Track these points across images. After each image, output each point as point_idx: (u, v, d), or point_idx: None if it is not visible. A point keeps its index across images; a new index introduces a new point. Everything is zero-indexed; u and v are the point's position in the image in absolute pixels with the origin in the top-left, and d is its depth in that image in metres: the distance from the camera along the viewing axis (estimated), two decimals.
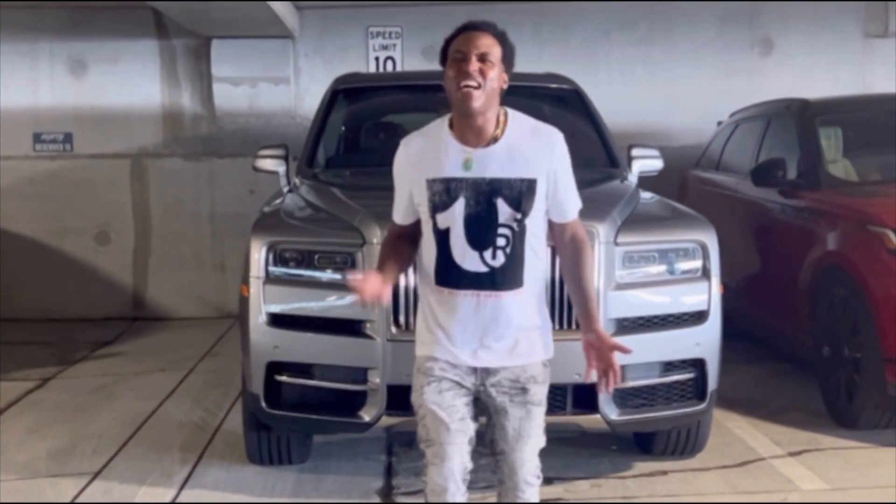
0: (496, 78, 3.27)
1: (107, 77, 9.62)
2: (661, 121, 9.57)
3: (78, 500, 4.89)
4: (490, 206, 3.26)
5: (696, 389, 4.94)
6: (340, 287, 4.70)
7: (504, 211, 3.26)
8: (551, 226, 3.43)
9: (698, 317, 4.89)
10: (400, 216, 3.51)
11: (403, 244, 3.50)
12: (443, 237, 3.32)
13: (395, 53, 9.64)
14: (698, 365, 4.90)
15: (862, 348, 5.69)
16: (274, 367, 4.80)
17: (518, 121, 3.38)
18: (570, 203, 3.41)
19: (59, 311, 9.53)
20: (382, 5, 9.56)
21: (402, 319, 4.60)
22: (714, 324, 4.90)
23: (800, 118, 6.99)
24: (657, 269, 4.85)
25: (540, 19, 9.65)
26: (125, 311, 9.71)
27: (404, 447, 5.50)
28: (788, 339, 6.85)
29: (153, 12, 9.25)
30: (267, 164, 6.21)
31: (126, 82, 9.62)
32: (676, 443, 5.27)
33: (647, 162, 6.18)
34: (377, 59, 9.65)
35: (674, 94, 9.71)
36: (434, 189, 3.30)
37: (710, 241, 4.94)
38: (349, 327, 4.68)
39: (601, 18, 9.71)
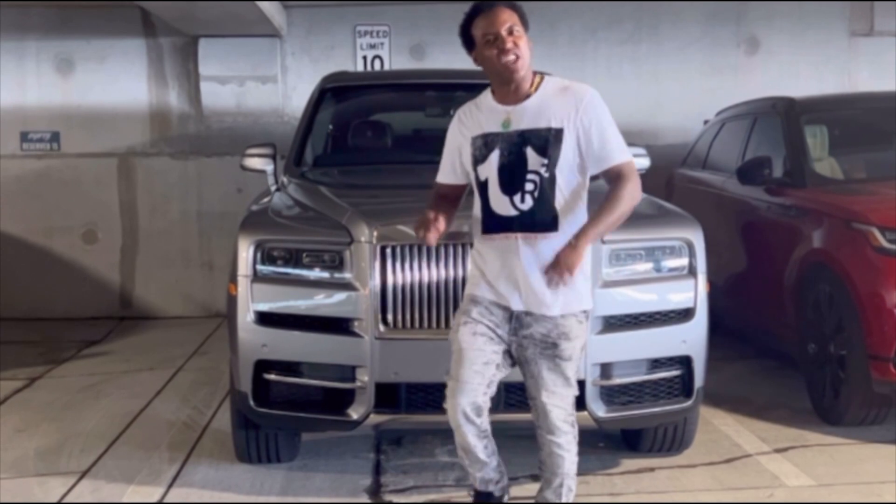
0: (526, 45, 3.71)
1: (94, 76, 9.61)
2: (648, 119, 9.60)
3: (66, 500, 4.88)
4: (520, 154, 3.65)
5: (683, 386, 4.95)
6: (328, 285, 4.72)
7: (532, 158, 3.64)
8: (601, 176, 3.80)
9: (685, 314, 4.90)
10: (443, 174, 3.98)
11: (443, 204, 3.94)
12: (483, 188, 3.73)
13: (382, 52, 9.64)
14: (685, 362, 4.92)
15: (847, 345, 5.72)
16: (262, 366, 4.80)
17: (552, 81, 3.81)
18: (610, 152, 3.75)
19: (47, 310, 9.51)
20: (370, 4, 9.56)
21: (390, 317, 4.61)
22: (700, 321, 4.92)
23: (786, 116, 7.02)
24: (644, 266, 4.87)
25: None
26: (113, 311, 9.70)
27: (392, 445, 5.52)
28: (774, 336, 6.88)
29: (140, 11, 9.24)
30: (254, 162, 6.20)
31: (113, 81, 9.60)
32: (663, 440, 5.29)
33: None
34: (365, 57, 9.65)
35: (660, 93, 9.74)
36: (476, 145, 3.74)
37: (697, 238, 4.95)
38: (337, 325, 4.68)
39: (588, 17, 9.74)
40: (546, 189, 3.65)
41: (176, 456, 5.47)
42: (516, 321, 3.74)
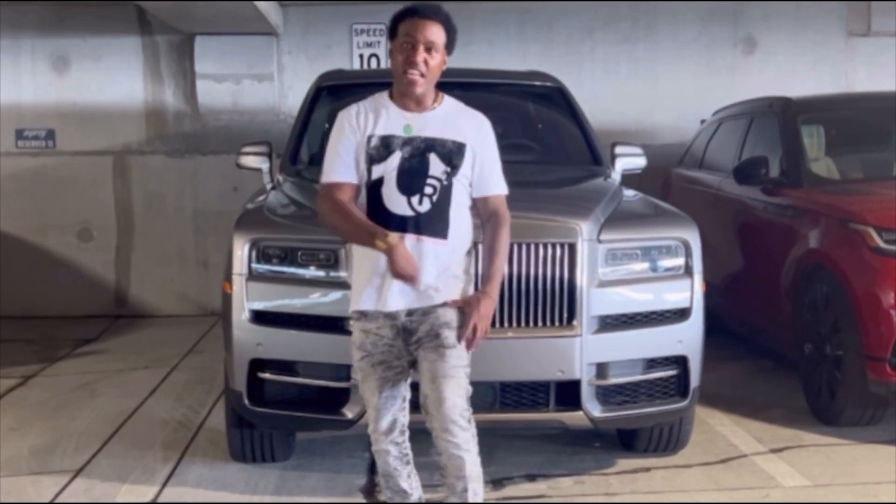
0: (438, 65, 3.76)
1: (89, 74, 9.58)
2: (645, 119, 9.60)
3: (59, 499, 4.86)
4: (423, 159, 3.73)
5: (679, 386, 4.95)
6: (324, 284, 4.71)
7: (436, 164, 3.73)
8: (476, 203, 3.86)
9: (681, 314, 4.90)
10: (345, 173, 3.81)
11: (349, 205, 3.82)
12: (375, 186, 3.75)
13: (379, 51, 9.62)
14: (681, 362, 4.92)
15: (843, 346, 5.72)
16: (257, 365, 4.79)
17: (451, 101, 3.90)
18: (493, 180, 3.86)
19: (42, 308, 9.49)
20: (367, 3, 9.54)
21: None
22: (696, 321, 4.91)
23: (782, 116, 7.02)
24: (640, 266, 4.86)
25: (524, 17, 9.65)
26: (108, 309, 9.67)
27: None
28: (770, 336, 6.88)
29: (136, 9, 9.22)
30: (250, 161, 6.18)
31: (109, 79, 9.58)
32: (659, 440, 5.28)
33: (630, 160, 6.19)
34: (361, 56, 9.64)
35: (657, 92, 9.73)
36: (372, 144, 3.75)
37: (693, 238, 4.95)
38: (332, 324, 4.67)
39: (585, 16, 9.73)
40: (444, 196, 3.73)
41: (170, 455, 5.45)
42: (404, 332, 3.77)
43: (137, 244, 9.72)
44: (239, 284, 4.77)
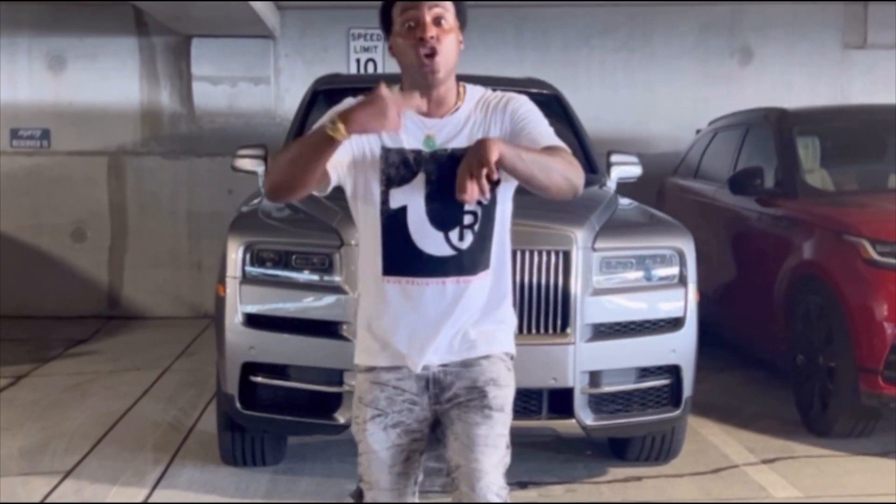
0: (454, 47, 2.91)
1: (85, 74, 9.57)
2: (640, 127, 9.61)
3: (49, 500, 4.85)
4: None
5: (672, 396, 4.95)
6: (317, 288, 4.70)
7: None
8: None
9: (674, 323, 4.90)
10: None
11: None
12: (394, 219, 2.85)
13: (376, 55, 9.63)
14: (674, 371, 4.92)
15: (836, 357, 5.72)
16: (249, 368, 4.78)
17: (475, 91, 3.01)
18: (540, 134, 2.88)
19: (34, 308, 9.46)
20: (364, 7, 9.52)
21: None
22: (690, 331, 4.92)
23: (778, 127, 7.02)
24: (634, 275, 4.87)
25: (521, 24, 9.66)
26: (100, 310, 9.65)
27: None
28: (763, 346, 6.88)
29: (133, 9, 9.21)
30: (246, 163, 6.18)
31: (105, 79, 9.57)
32: (651, 449, 5.28)
33: (625, 168, 6.20)
34: (358, 60, 9.64)
35: (653, 101, 9.74)
36: (390, 160, 2.85)
37: (688, 248, 4.95)
38: (325, 329, 4.67)
39: (582, 24, 9.74)
40: (487, 219, 2.86)
41: (161, 457, 5.44)
42: (435, 385, 2.90)
43: (131, 245, 9.71)
44: (232, 287, 4.77)
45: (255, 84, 9.55)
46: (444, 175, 2.79)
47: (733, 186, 6.95)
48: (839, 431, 5.76)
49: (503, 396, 2.92)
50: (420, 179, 2.84)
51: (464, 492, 2.83)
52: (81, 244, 9.67)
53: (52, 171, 9.60)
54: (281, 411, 4.84)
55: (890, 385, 5.43)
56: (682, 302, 4.90)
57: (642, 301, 4.87)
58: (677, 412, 4.97)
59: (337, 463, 5.33)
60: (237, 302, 4.76)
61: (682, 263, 4.92)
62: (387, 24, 3.03)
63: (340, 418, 4.66)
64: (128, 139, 9.66)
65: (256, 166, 6.15)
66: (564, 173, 2.83)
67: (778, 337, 6.42)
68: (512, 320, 3.03)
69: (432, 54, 2.83)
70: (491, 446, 2.86)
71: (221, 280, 4.85)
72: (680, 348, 4.89)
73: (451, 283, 2.85)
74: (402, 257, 2.86)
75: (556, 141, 2.91)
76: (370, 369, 2.94)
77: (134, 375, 7.30)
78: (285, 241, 4.83)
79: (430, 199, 2.84)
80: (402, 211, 2.85)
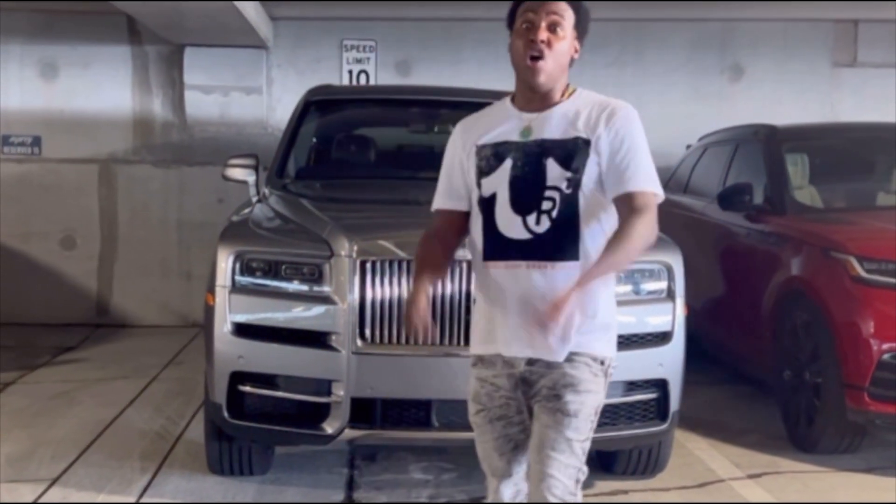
0: (567, 51, 3.18)
1: (77, 81, 9.58)
2: None
3: None
4: (538, 166, 3.01)
5: (658, 410, 4.95)
6: (307, 298, 4.70)
7: (554, 170, 3.01)
8: (616, 206, 3.07)
9: (662, 337, 4.91)
10: (440, 199, 3.28)
11: (439, 245, 3.24)
12: (488, 206, 3.08)
13: (368, 67, 9.65)
14: (661, 385, 4.92)
15: (823, 373, 5.75)
16: (237, 378, 4.77)
17: (586, 93, 3.27)
18: (634, 174, 3.05)
19: (22, 315, 9.43)
20: (357, 19, 9.57)
21: (367, 332, 4.59)
22: (678, 345, 4.92)
23: (767, 144, 7.06)
24: (622, 288, 4.86)
25: None
26: (89, 317, 9.63)
27: (366, 460, 5.49)
28: (750, 361, 6.90)
29: (126, 18, 9.22)
30: (237, 173, 6.18)
31: (97, 87, 9.58)
32: (638, 462, 5.29)
33: None
34: (350, 71, 9.66)
35: (643, 117, 9.50)
36: (482, 154, 3.12)
37: (676, 262, 4.96)
38: (314, 339, 4.66)
39: None
40: (567, 209, 2.99)
41: (148, 466, 5.43)
42: (523, 384, 3.09)
43: (121, 253, 9.70)
44: (222, 296, 4.76)
45: (247, 94, 9.56)
46: (528, 161, 3.05)
47: (722, 202, 6.98)
48: (825, 447, 5.78)
49: (579, 402, 3.03)
50: (506, 166, 3.07)
51: (531, 490, 3.08)
52: (71, 252, 9.66)
53: (43, 179, 9.59)
54: (269, 421, 4.83)
55: (876, 402, 5.45)
56: (670, 316, 4.91)
57: (630, 315, 4.87)
58: (664, 426, 4.97)
59: (325, 473, 5.33)
60: (226, 311, 4.75)
61: (671, 278, 4.93)
62: (511, 22, 3.23)
63: (328, 428, 4.66)
64: (119, 147, 9.66)
65: (247, 176, 6.15)
66: (644, 247, 3.07)
67: (765, 352, 6.44)
68: (608, 321, 3.13)
69: (538, 57, 3.07)
70: (559, 450, 3.01)
71: (211, 289, 4.84)
72: (667, 362, 4.90)
73: (530, 266, 3.00)
74: (492, 242, 3.08)
75: (644, 183, 3.09)
76: (474, 363, 3.21)
77: (122, 384, 7.29)
78: (275, 251, 4.83)
79: (513, 184, 3.05)
80: (492, 198, 3.08)
